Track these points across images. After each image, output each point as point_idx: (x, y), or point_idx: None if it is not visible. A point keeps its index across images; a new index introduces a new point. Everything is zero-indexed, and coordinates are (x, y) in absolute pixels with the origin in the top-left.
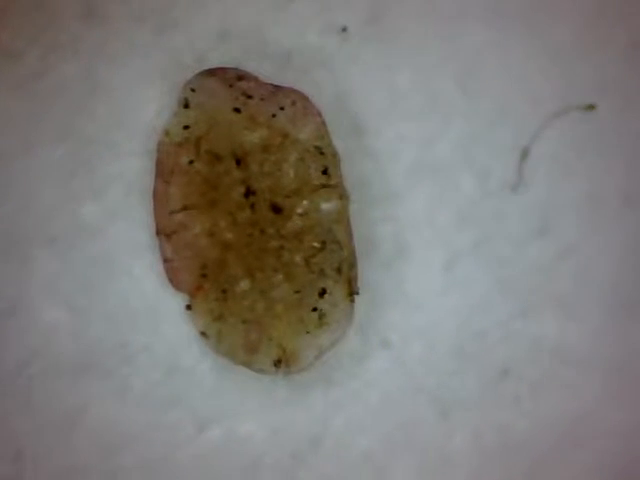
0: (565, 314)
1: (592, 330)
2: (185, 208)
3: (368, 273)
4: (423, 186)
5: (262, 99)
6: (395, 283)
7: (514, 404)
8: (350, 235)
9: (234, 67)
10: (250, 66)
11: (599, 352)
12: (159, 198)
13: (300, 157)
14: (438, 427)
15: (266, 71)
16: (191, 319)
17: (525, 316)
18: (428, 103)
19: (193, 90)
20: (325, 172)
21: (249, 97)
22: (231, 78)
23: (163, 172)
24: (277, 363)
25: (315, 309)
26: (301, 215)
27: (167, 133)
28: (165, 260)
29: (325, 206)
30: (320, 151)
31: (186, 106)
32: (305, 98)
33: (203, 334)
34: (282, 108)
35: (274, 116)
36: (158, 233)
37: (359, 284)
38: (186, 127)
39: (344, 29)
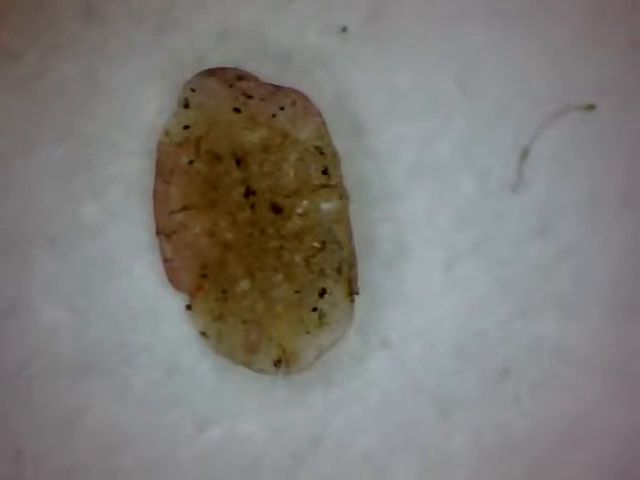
0: (565, 314)
1: (592, 330)
2: (185, 208)
3: (368, 273)
4: (423, 186)
5: (262, 99)
6: (395, 283)
7: (514, 404)
8: (350, 235)
9: (234, 67)
10: (250, 66)
11: (599, 352)
12: (159, 198)
13: (300, 157)
14: (438, 427)
15: (266, 71)
16: (191, 319)
17: (525, 316)
18: (428, 103)
19: (193, 90)
20: (325, 172)
21: (249, 97)
22: (231, 78)
23: (163, 172)
24: (277, 363)
25: (315, 309)
26: (301, 215)
27: (167, 133)
28: (165, 260)
29: (325, 206)
30: (320, 151)
31: (186, 106)
32: (305, 98)
33: (203, 334)
34: (282, 108)
35: (274, 116)
36: (158, 233)
37: (359, 284)
38: (186, 127)
39: (344, 29)
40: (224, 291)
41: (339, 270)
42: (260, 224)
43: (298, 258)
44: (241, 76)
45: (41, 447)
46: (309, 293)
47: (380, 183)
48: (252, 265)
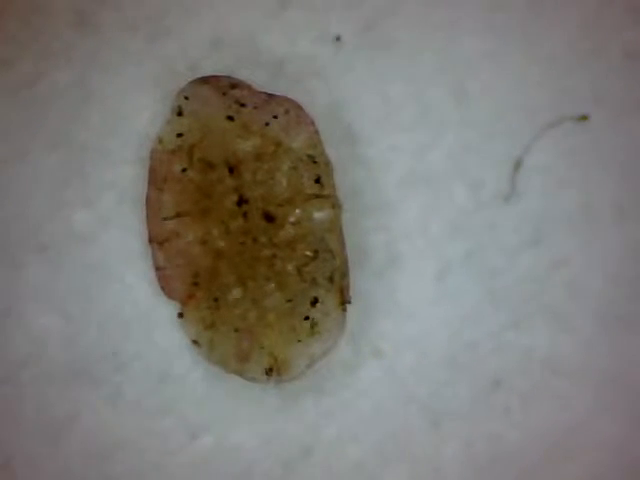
0: (557, 325)
1: (584, 341)
2: (178, 216)
3: (360, 282)
4: (416, 196)
5: (255, 107)
6: (387, 292)
7: (505, 415)
8: (342, 244)
9: (227, 75)
10: (243, 74)
11: (591, 363)
12: (152, 206)
13: (293, 166)
14: (429, 437)
15: (259, 79)
16: (183, 327)
17: (517, 327)
18: (421, 113)
19: (186, 98)
20: (318, 181)
21: (242, 105)
22: (224, 86)
23: (156, 180)
24: (269, 372)
25: (307, 318)
26: (293, 224)
27: (160, 141)
28: (157, 268)
29: (318, 215)
30: (313, 160)
31: (179, 114)
32: (298, 107)
33: (195, 342)
34: (275, 116)
35: (267, 124)
36: (150, 241)
37: (351, 293)
38: (179, 135)
39: (338, 38)
40: (216, 299)
41: (331, 279)
42: (252, 232)
43: (290, 267)
44: (234, 84)
45: (31, 454)
46: (301, 302)
47: (373, 192)
48: (244, 273)
